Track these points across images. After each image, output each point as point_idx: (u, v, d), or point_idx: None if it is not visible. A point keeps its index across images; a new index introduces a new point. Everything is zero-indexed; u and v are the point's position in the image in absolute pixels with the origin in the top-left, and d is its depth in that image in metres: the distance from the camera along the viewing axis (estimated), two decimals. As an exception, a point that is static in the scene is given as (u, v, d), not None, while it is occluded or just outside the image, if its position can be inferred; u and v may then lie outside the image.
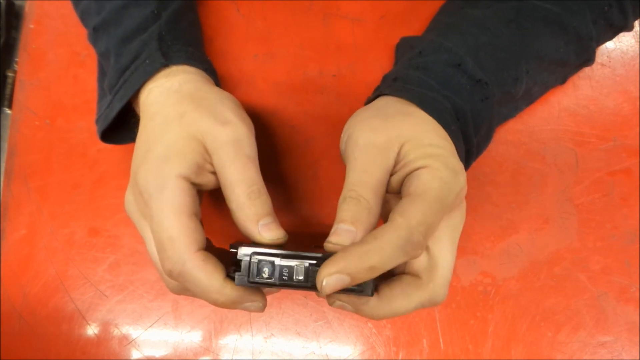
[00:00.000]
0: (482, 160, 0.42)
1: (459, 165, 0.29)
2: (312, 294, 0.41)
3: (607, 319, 0.40)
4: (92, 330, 0.42)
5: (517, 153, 0.43)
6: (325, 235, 0.29)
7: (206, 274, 0.28)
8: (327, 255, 0.27)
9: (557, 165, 0.42)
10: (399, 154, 0.30)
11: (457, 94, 0.34)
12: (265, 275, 0.28)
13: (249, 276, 0.28)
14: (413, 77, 0.34)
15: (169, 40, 0.36)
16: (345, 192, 0.30)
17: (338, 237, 0.28)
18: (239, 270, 0.28)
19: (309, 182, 0.42)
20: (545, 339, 0.40)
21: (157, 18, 0.36)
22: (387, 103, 0.33)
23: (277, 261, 0.28)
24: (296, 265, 0.28)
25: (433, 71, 0.34)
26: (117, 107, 0.34)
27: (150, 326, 0.42)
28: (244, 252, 0.28)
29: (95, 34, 0.38)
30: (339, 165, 0.42)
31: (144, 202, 0.30)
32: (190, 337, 0.41)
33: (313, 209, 0.42)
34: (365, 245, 0.26)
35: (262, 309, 0.30)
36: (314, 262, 0.28)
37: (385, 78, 0.38)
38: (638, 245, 0.41)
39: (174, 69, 0.34)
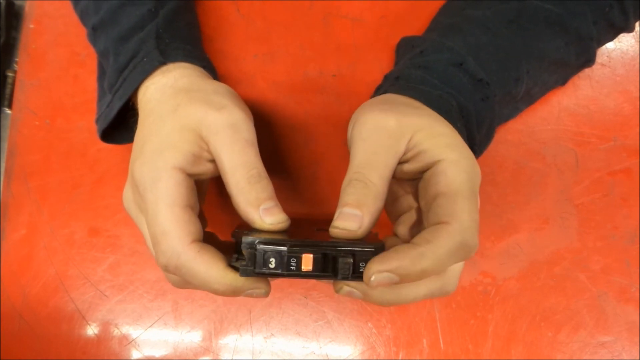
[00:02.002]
0: (482, 160, 0.42)
1: (472, 154, 0.29)
2: (313, 293, 0.41)
3: (607, 319, 0.40)
4: (92, 330, 0.42)
5: (517, 153, 0.42)
6: (327, 221, 0.29)
7: (203, 264, 0.27)
8: (339, 245, 0.26)
9: (557, 165, 0.42)
10: (410, 141, 0.29)
11: (459, 93, 0.34)
12: (272, 265, 0.26)
13: (254, 267, 0.26)
14: (416, 75, 0.34)
15: (167, 38, 0.36)
16: (350, 174, 0.29)
17: (343, 221, 0.27)
18: (242, 258, 0.27)
19: (309, 182, 0.42)
20: (545, 339, 0.40)
21: (155, 16, 0.36)
22: (394, 96, 0.33)
23: (284, 251, 0.26)
24: (304, 254, 0.26)
25: (435, 70, 0.34)
26: (116, 106, 0.34)
27: (150, 326, 0.42)
28: (248, 241, 0.26)
29: (94, 33, 0.38)
30: (339, 165, 0.42)
31: (140, 196, 0.29)
32: (190, 337, 0.41)
33: (313, 208, 0.42)
34: (419, 247, 0.26)
35: (267, 294, 0.29)
36: (325, 252, 0.26)
37: (387, 77, 0.37)
38: (638, 245, 0.41)
39: (171, 66, 0.34)
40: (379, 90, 0.37)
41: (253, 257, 0.26)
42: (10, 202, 0.43)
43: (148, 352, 0.41)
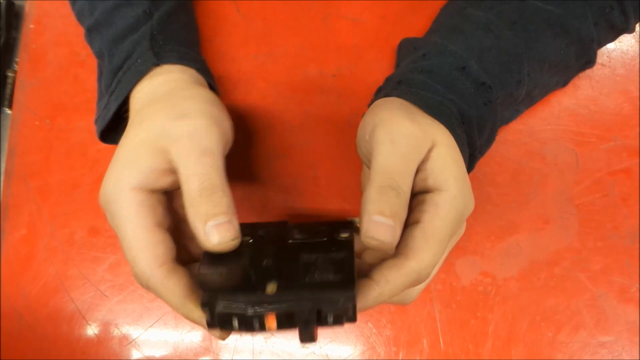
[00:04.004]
0: (482, 160, 0.42)
1: (470, 186, 0.29)
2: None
3: (608, 319, 0.40)
4: (92, 330, 0.42)
5: (517, 153, 0.42)
6: (308, 221, 0.29)
7: (167, 291, 0.27)
8: (304, 298, 0.24)
9: (557, 165, 0.42)
10: (429, 152, 0.29)
11: (461, 98, 0.34)
12: (236, 325, 0.25)
13: (217, 324, 0.25)
14: (418, 80, 0.34)
15: (161, 40, 0.36)
16: (382, 179, 0.27)
17: (378, 230, 0.26)
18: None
19: (310, 182, 0.42)
20: (546, 339, 0.40)
21: (149, 18, 0.36)
22: (406, 104, 0.32)
23: (245, 314, 0.24)
24: (268, 314, 0.24)
25: (438, 74, 0.34)
26: (112, 107, 0.34)
27: (150, 326, 0.42)
28: (205, 300, 0.25)
29: (89, 34, 0.38)
30: (340, 166, 0.42)
31: (109, 215, 0.29)
32: (190, 337, 0.41)
33: (313, 209, 0.42)
34: (378, 287, 0.27)
35: (223, 339, 0.29)
36: (289, 310, 0.24)
37: (388, 80, 0.37)
38: (638, 245, 0.41)
39: (159, 70, 0.34)
40: (380, 93, 0.36)
41: (214, 317, 0.25)
42: (10, 202, 0.43)
43: (148, 352, 0.41)
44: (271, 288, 0.25)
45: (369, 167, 0.33)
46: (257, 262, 0.28)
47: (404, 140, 0.28)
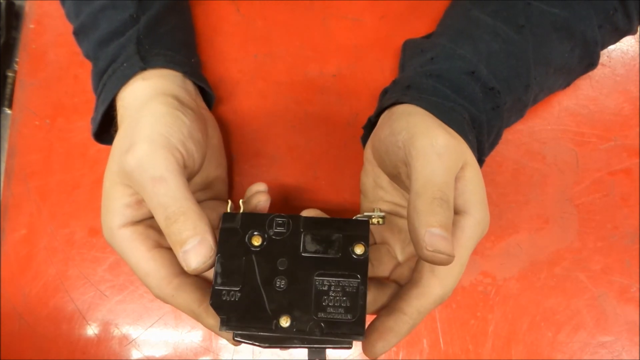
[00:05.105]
0: (482, 160, 0.42)
1: (488, 208, 0.30)
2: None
3: (607, 319, 0.40)
4: (92, 330, 0.42)
5: (517, 153, 0.42)
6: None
7: (179, 305, 0.30)
8: (313, 341, 0.27)
9: (557, 165, 0.42)
10: (462, 169, 0.29)
11: (472, 103, 0.33)
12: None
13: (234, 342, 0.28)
14: (427, 85, 0.34)
15: (147, 44, 0.35)
16: (433, 191, 0.27)
17: (442, 245, 0.25)
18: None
19: (310, 183, 0.42)
20: (546, 339, 0.40)
21: (136, 22, 0.35)
22: (432, 116, 0.32)
23: (263, 345, 0.27)
24: (281, 350, 0.28)
25: (447, 79, 0.34)
26: (100, 111, 0.34)
27: (150, 326, 0.42)
28: (223, 328, 0.27)
29: (77, 37, 0.38)
30: (340, 166, 0.42)
31: (116, 250, 0.31)
32: (190, 337, 0.41)
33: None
34: (412, 320, 0.29)
35: (236, 345, 0.32)
36: (304, 346, 0.27)
37: (395, 83, 0.37)
38: (638, 245, 0.41)
39: (143, 76, 0.34)
40: (386, 95, 0.36)
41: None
42: (10, 202, 0.43)
43: (148, 352, 0.41)
44: (285, 320, 0.27)
45: (388, 173, 0.33)
46: (269, 281, 0.28)
47: (447, 154, 0.28)
